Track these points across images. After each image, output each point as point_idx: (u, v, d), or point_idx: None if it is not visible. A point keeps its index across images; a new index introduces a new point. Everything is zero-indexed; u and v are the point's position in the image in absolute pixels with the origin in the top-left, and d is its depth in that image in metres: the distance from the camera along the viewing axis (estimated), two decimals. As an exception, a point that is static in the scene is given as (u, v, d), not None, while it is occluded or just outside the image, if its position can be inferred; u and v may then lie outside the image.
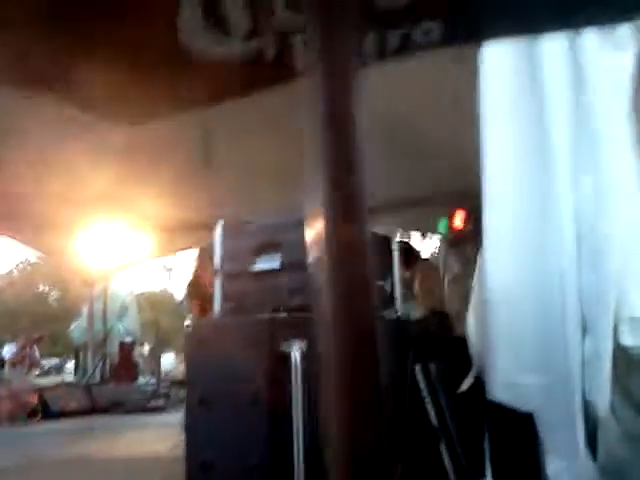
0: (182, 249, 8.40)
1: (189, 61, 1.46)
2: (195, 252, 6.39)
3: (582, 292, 2.22)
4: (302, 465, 2.05)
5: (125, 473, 3.88)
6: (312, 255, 0.98)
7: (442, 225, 5.86)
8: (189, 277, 6.41)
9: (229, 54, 1.41)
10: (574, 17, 1.39)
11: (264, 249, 2.42)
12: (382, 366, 2.60)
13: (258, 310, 2.28)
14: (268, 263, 2.40)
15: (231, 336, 2.29)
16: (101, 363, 8.86)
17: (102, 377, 8.81)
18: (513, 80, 2.28)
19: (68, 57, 1.46)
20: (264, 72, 1.47)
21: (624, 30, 1.96)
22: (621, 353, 2.15)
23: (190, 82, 1.50)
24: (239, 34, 1.38)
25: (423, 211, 5.65)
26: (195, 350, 2.45)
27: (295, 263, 2.36)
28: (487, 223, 2.40)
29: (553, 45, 2.16)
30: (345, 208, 0.95)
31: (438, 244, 6.33)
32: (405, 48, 1.43)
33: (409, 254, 5.42)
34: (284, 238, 2.42)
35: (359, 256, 0.95)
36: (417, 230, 5.73)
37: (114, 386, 8.75)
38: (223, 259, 2.55)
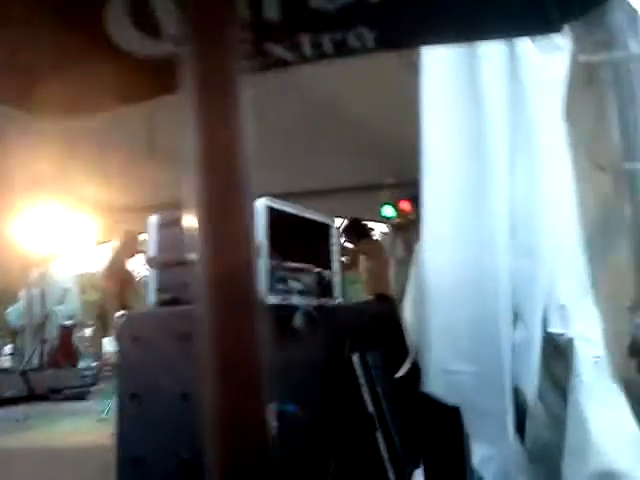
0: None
1: (121, 58, 1.43)
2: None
3: (514, 281, 2.27)
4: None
5: (55, 464, 3.77)
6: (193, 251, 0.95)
7: (386, 209, 5.89)
8: (108, 259, 6.30)
9: (158, 54, 1.39)
10: (504, 26, 1.40)
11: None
12: (319, 354, 2.60)
13: (189, 301, 2.22)
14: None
15: (164, 328, 2.23)
16: (39, 348, 8.60)
17: (41, 362, 8.56)
18: (451, 78, 2.31)
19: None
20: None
21: (557, 35, 1.99)
22: (549, 340, 2.22)
23: (123, 79, 1.46)
24: (169, 37, 1.37)
25: (371, 197, 5.69)
26: (127, 342, 2.39)
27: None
28: (425, 214, 2.43)
29: (491, 45, 2.18)
30: (220, 206, 0.94)
31: (385, 229, 6.39)
32: (341, 51, 1.43)
33: (360, 230, 5.46)
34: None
35: (236, 254, 0.94)
36: (363, 216, 5.77)
37: (53, 372, 8.50)
38: (158, 249, 2.48)
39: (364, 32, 1.41)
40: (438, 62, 2.33)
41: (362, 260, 5.77)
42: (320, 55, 1.51)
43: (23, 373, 8.13)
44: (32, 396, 7.74)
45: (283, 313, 2.35)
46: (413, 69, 2.37)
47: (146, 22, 1.40)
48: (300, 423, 2.34)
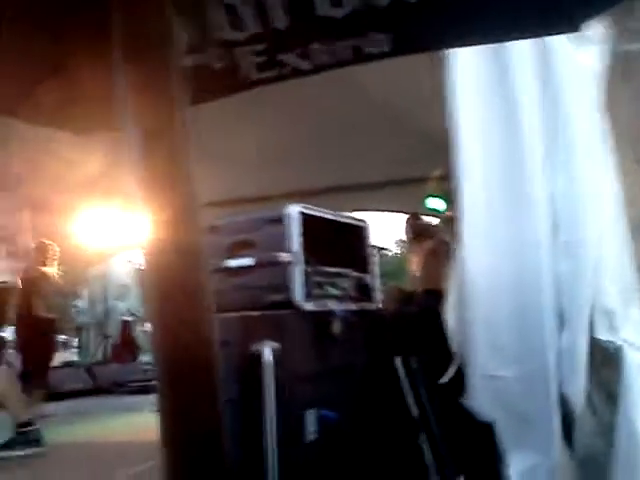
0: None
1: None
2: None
3: (559, 285, 2.19)
4: (276, 465, 2.05)
5: (112, 457, 3.92)
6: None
7: (435, 202, 5.77)
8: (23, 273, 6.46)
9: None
10: (521, 27, 1.34)
11: (238, 246, 2.39)
12: (358, 359, 2.58)
13: (230, 308, 2.25)
14: (241, 260, 2.36)
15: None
16: (103, 343, 8.95)
17: (104, 357, 8.91)
18: (481, 74, 2.23)
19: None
20: (210, 84, 1.47)
21: (592, 27, 1.89)
22: (597, 346, 2.13)
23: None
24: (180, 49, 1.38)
25: (420, 191, 5.60)
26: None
27: (268, 261, 2.33)
28: (463, 216, 2.37)
29: (521, 42, 2.09)
30: (168, 215, 0.97)
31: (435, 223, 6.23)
32: (357, 58, 1.41)
33: (419, 224, 5.35)
34: (257, 235, 2.39)
35: (184, 261, 0.95)
36: (405, 211, 5.68)
37: (116, 366, 8.85)
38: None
39: (378, 37, 1.39)
40: (467, 58, 2.26)
41: (415, 254, 5.67)
42: (337, 63, 1.49)
43: (88, 367, 8.50)
44: (97, 389, 8.10)
45: (321, 319, 2.35)
46: (443, 65, 2.31)
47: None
48: (342, 429, 2.34)
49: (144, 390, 7.88)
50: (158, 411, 0.93)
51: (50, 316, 6.21)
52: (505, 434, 2.19)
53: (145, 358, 9.87)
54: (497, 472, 2.07)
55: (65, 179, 6.02)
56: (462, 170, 2.33)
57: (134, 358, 9.51)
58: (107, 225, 7.58)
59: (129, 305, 9.75)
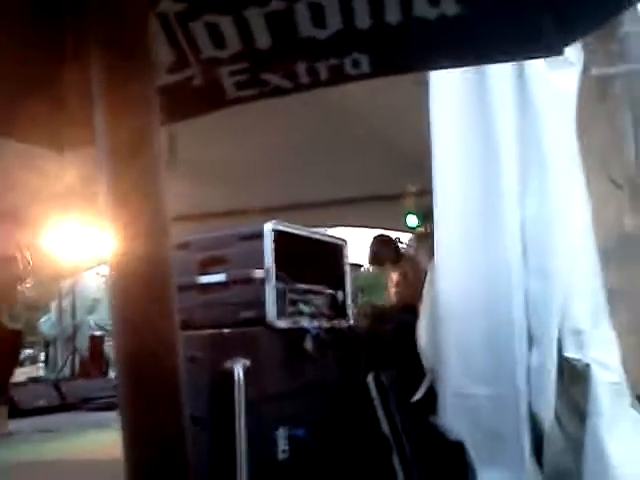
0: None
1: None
2: None
3: (529, 306, 2.22)
4: (246, 484, 2.02)
5: (79, 476, 3.82)
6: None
7: (410, 219, 5.81)
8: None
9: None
10: (502, 51, 1.37)
11: (210, 262, 2.37)
12: (331, 376, 2.56)
13: (202, 325, 2.23)
14: (214, 277, 2.35)
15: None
16: (71, 358, 8.77)
17: (72, 372, 8.72)
18: (459, 94, 2.27)
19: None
20: (191, 101, 1.47)
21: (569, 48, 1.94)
22: (565, 364, 2.16)
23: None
24: (163, 67, 1.38)
25: (396, 207, 5.64)
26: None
27: (241, 277, 2.32)
28: (437, 236, 2.40)
29: (500, 65, 2.14)
30: (135, 230, 0.97)
31: (409, 239, 6.26)
32: (338, 78, 1.42)
33: (387, 245, 5.34)
34: (231, 252, 2.38)
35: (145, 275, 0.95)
36: (387, 226, 5.71)
37: (83, 382, 8.66)
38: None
39: (359, 58, 1.40)
40: (445, 78, 2.30)
41: (390, 271, 5.67)
42: (317, 82, 1.50)
43: (55, 382, 8.30)
44: (64, 406, 7.90)
45: (294, 337, 2.34)
46: (423, 85, 2.35)
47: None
48: (314, 447, 2.32)
49: (113, 406, 7.71)
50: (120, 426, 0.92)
51: (15, 327, 6.08)
52: (476, 451, 2.21)
53: (114, 374, 9.70)
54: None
55: (38, 192, 5.94)
56: (438, 190, 2.36)
57: (103, 374, 9.33)
58: (78, 239, 7.49)
59: (99, 320, 9.59)
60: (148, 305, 0.93)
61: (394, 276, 5.43)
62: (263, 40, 1.34)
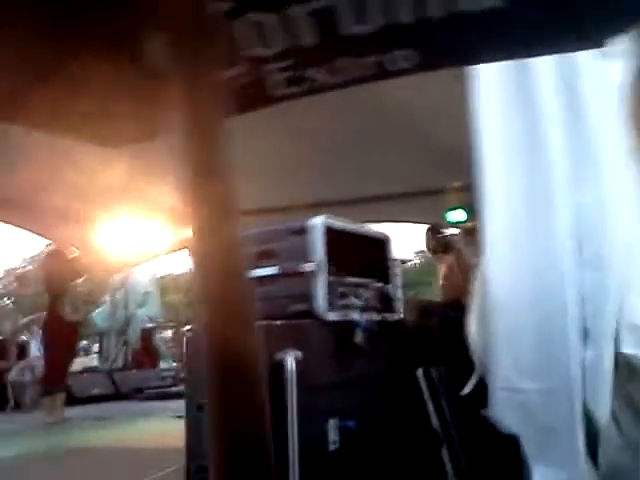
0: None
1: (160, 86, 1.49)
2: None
3: (583, 299, 2.18)
4: (297, 474, 2.05)
5: (132, 463, 3.95)
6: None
7: (456, 213, 5.74)
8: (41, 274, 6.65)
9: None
10: (542, 44, 1.35)
11: (261, 256, 2.41)
12: (381, 369, 2.57)
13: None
14: (265, 270, 2.39)
15: (228, 343, 2.29)
16: (123, 349, 9.04)
17: (124, 363, 8.99)
18: (504, 86, 2.24)
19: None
20: (237, 98, 1.50)
21: (616, 42, 1.89)
22: (622, 360, 2.11)
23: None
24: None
25: (441, 201, 5.60)
26: (193, 356, 2.47)
27: (292, 271, 2.35)
28: (485, 230, 2.37)
29: (545, 57, 2.10)
30: (209, 214, 0.99)
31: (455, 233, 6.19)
32: (381, 73, 1.43)
33: (440, 235, 5.33)
34: (281, 246, 2.41)
35: (224, 262, 0.97)
36: (432, 222, 5.67)
37: (135, 372, 8.92)
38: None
39: (402, 53, 1.41)
40: (489, 70, 2.27)
41: (439, 265, 5.64)
42: (361, 78, 1.51)
43: (109, 372, 8.58)
44: (117, 395, 8.17)
45: (343, 329, 2.36)
46: (462, 79, 2.32)
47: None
48: (363, 439, 2.34)
49: (163, 396, 7.95)
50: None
51: (74, 319, 6.34)
52: (528, 447, 2.18)
53: (164, 365, 9.95)
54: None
55: (87, 188, 6.14)
56: (484, 183, 2.33)
57: (154, 365, 9.59)
58: (129, 234, 7.69)
59: (150, 313, 9.85)
60: (229, 295, 0.97)
61: (442, 269, 5.40)
62: (307, 37, 1.36)
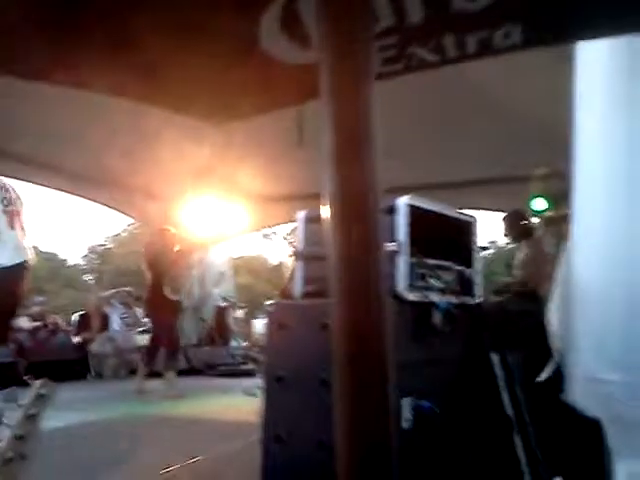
0: (279, 222, 9.07)
1: (271, 65, 1.54)
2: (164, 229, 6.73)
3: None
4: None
5: (208, 436, 4.12)
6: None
7: (537, 202, 5.61)
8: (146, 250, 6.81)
9: (307, 61, 1.46)
10: None
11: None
12: (457, 352, 2.59)
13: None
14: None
15: (308, 318, 2.36)
16: (198, 326, 9.33)
17: (199, 340, 9.29)
18: (608, 72, 2.17)
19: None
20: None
21: None
22: None
23: (272, 85, 1.57)
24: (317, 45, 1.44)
25: (523, 190, 5.50)
26: (275, 329, 2.56)
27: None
28: (575, 211, 2.32)
29: None
30: (351, 206, 1.00)
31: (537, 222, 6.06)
32: (485, 51, 1.42)
33: (521, 221, 5.26)
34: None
35: (363, 255, 0.99)
36: (507, 210, 5.56)
37: (208, 349, 9.22)
38: (305, 242, 2.62)
39: (510, 30, 1.39)
40: (594, 54, 2.20)
41: (518, 253, 5.54)
42: (464, 56, 1.50)
43: (183, 349, 8.90)
44: (190, 370, 8.49)
45: (423, 310, 2.38)
46: (567, 60, 2.27)
47: (296, 32, 1.48)
48: (436, 420, 2.36)
49: (233, 374, 8.20)
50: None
51: (176, 299, 6.68)
52: (611, 437, 2.14)
53: (234, 343, 10.23)
54: (602, 473, 2.02)
55: (173, 168, 6.38)
56: (580, 170, 2.28)
57: (225, 343, 9.88)
58: (209, 214, 7.94)
59: (224, 292, 10.12)
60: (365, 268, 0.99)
61: (520, 256, 5.31)
62: (415, 14, 1.36)
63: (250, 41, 1.51)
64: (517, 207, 5.47)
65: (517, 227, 5.20)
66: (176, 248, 6.81)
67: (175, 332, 6.82)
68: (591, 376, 2.27)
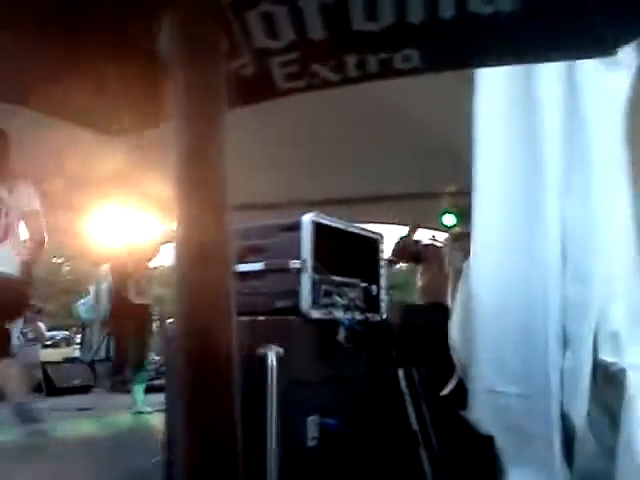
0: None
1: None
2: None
3: (565, 305, 2.21)
4: (275, 468, 2.06)
5: (109, 453, 3.93)
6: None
7: (446, 218, 5.78)
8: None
9: None
10: (554, 49, 1.36)
11: (248, 252, 2.41)
12: (362, 368, 2.58)
13: (238, 312, 2.27)
14: (251, 265, 2.39)
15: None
16: (106, 340, 8.96)
17: (107, 354, 8.91)
18: (506, 91, 2.26)
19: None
20: (241, 91, 1.50)
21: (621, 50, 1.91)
22: (600, 367, 2.14)
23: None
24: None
25: (432, 205, 5.64)
26: (174, 349, 2.46)
27: (278, 267, 2.36)
28: (474, 235, 2.40)
29: (549, 64, 2.12)
30: (197, 212, 1.00)
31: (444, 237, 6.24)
32: (386, 72, 1.43)
33: (410, 249, 5.39)
34: (269, 242, 2.42)
35: (210, 260, 1.00)
36: (422, 224, 5.71)
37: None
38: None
39: (410, 53, 1.41)
40: (493, 74, 2.28)
41: (420, 268, 5.69)
42: (365, 76, 1.51)
43: (90, 364, 8.52)
44: (98, 386, 8.10)
45: (327, 327, 2.37)
46: (467, 81, 2.34)
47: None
48: (343, 437, 2.35)
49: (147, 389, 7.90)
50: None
51: (142, 302, 6.37)
52: (505, 450, 2.20)
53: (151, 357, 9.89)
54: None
55: (78, 178, 6.10)
56: (479, 188, 2.36)
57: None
58: (117, 224, 7.64)
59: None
60: (209, 291, 0.97)
61: (421, 274, 5.46)
62: (316, 31, 1.35)
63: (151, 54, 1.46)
64: (430, 223, 5.61)
65: (405, 254, 5.37)
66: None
67: (146, 336, 6.46)
68: (490, 389, 2.34)
